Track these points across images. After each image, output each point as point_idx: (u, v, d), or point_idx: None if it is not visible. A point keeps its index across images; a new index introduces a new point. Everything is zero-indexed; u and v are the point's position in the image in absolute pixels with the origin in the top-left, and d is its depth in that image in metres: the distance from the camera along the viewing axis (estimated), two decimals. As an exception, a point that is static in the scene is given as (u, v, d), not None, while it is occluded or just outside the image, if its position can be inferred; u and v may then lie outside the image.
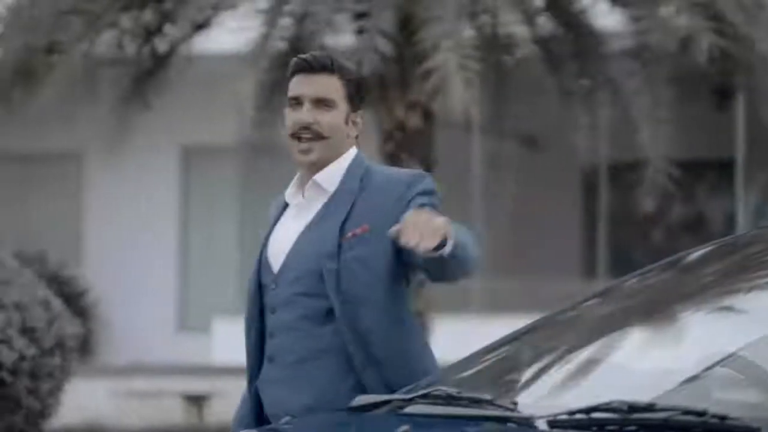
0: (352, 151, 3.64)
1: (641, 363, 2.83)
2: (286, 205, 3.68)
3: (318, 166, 3.60)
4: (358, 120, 3.65)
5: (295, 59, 3.63)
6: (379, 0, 9.33)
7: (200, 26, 10.05)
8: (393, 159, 9.85)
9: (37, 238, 16.25)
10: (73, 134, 14.69)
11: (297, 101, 3.59)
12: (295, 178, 3.66)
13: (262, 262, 3.62)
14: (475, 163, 15.33)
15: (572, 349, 2.95)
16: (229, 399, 12.67)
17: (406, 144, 9.96)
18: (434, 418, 2.68)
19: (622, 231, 16.13)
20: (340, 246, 3.50)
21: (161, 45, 10.06)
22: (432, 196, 3.54)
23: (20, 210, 16.76)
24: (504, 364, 2.95)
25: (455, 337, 9.38)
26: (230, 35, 9.72)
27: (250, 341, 3.63)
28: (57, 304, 7.19)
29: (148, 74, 10.15)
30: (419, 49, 9.30)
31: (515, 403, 2.60)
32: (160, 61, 10.10)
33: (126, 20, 9.83)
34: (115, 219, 16.19)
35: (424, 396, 2.72)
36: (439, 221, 3.25)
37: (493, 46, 9.83)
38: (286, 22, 9.55)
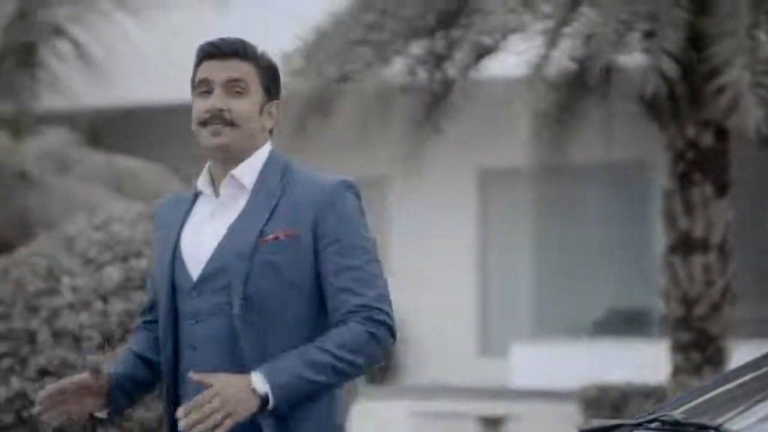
0: (268, 146, 3.26)
1: None
2: (195, 196, 3.28)
3: (231, 156, 3.21)
4: (273, 111, 3.28)
5: (203, 46, 3.25)
6: (667, 18, 9.13)
7: (489, 50, 10.09)
8: (685, 179, 9.63)
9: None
10: (373, 161, 14.97)
11: (206, 87, 3.20)
12: (205, 167, 3.28)
13: (176, 264, 3.21)
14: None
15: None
16: (525, 422, 12.66)
17: (699, 163, 9.71)
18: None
19: None
20: (255, 248, 3.10)
21: (451, 70, 10.15)
22: (350, 218, 3.14)
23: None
24: (735, 392, 2.84)
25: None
26: (519, 58, 9.73)
27: (167, 354, 3.20)
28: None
29: (439, 100, 10.26)
30: (710, 65, 9.07)
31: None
32: (450, 87, 10.20)
33: (415, 47, 9.97)
34: (416, 242, 16.43)
35: (651, 421, 2.66)
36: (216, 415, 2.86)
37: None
38: (571, 42, 9.49)
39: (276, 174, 3.20)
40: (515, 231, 16.13)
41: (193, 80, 3.25)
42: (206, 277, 3.15)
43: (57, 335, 6.52)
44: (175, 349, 3.18)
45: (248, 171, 3.21)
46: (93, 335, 6.48)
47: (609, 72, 9.59)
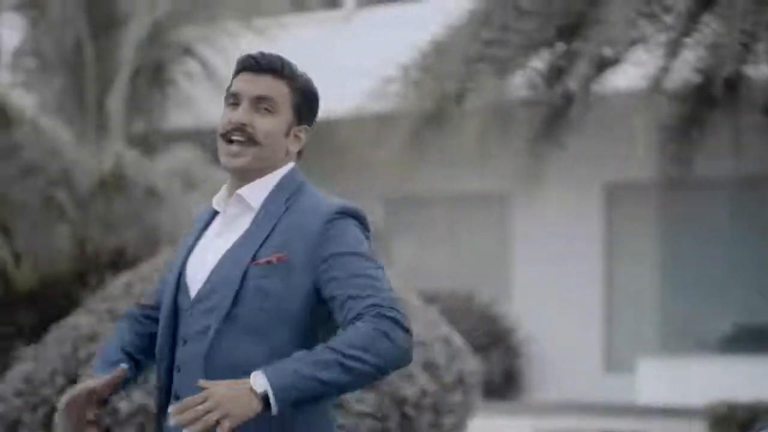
0: (287, 167, 3.12)
1: None
2: (215, 213, 3.18)
3: (246, 175, 3.09)
4: (302, 135, 3.14)
5: (241, 56, 3.15)
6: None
7: (610, 62, 9.98)
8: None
9: (466, 276, 16.63)
10: (495, 176, 14.91)
11: (235, 100, 3.09)
12: (226, 184, 3.17)
13: (180, 282, 3.11)
14: None
15: None
16: (651, 439, 12.46)
17: None
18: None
19: None
20: (247, 271, 2.99)
21: (571, 83, 10.07)
22: (348, 241, 2.99)
23: (449, 249, 17.21)
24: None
25: None
26: (642, 70, 9.61)
27: (159, 376, 3.11)
28: (458, 340, 7.30)
29: (560, 113, 10.17)
30: None
31: None
32: (571, 100, 10.11)
33: (535, 61, 9.90)
34: (540, 257, 16.30)
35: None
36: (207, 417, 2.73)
37: None
38: (694, 54, 9.33)
39: (283, 196, 3.08)
40: (642, 246, 15.91)
41: (228, 89, 3.17)
42: (199, 298, 3.05)
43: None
44: (169, 370, 3.08)
45: (258, 191, 3.08)
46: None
47: (735, 83, 9.42)
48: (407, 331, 2.91)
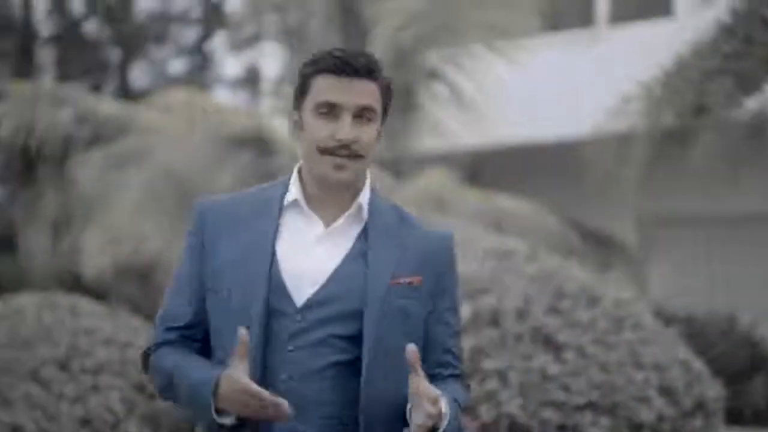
0: (367, 172, 2.99)
1: None
2: (279, 208, 2.95)
3: (350, 188, 2.94)
4: (382, 134, 2.97)
5: (329, 57, 2.88)
6: None
7: None
8: None
9: (724, 298, 16.15)
10: (743, 197, 14.44)
11: (332, 110, 2.87)
12: (294, 176, 2.98)
13: (272, 280, 2.87)
14: None
15: None
16: None
17: None
18: None
19: None
20: (388, 289, 2.86)
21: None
22: (458, 277, 3.02)
23: (706, 270, 16.76)
24: None
25: None
26: None
27: (257, 372, 2.83)
28: (698, 365, 7.08)
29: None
30: None
31: None
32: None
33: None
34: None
35: None
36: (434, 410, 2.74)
37: None
38: None
39: (389, 211, 2.98)
40: None
41: (302, 91, 2.93)
42: (316, 302, 2.87)
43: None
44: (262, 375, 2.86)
45: (366, 201, 2.96)
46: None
47: None
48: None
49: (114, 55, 21.52)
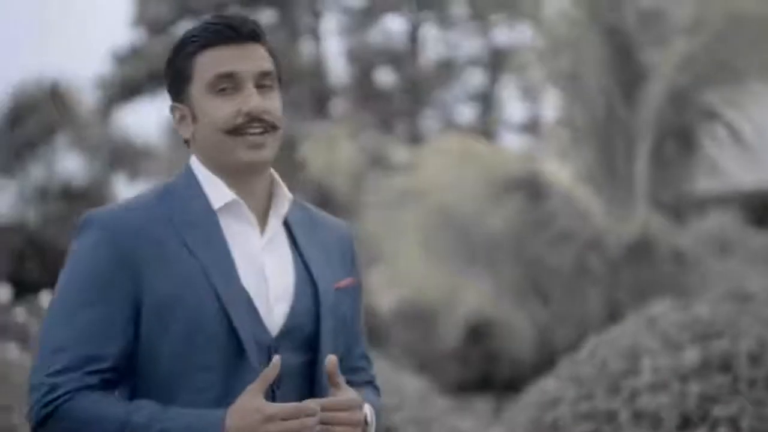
0: None
1: None
2: (206, 213, 2.50)
3: (265, 169, 2.54)
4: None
5: (210, 27, 2.51)
6: None
7: None
8: None
9: None
10: None
11: (232, 83, 2.48)
12: (204, 179, 2.52)
13: (239, 308, 2.45)
14: None
15: None
16: None
17: None
18: None
19: None
20: (335, 296, 2.56)
21: None
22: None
23: None
24: None
25: None
26: None
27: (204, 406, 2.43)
28: None
29: None
30: None
31: None
32: None
33: None
34: None
35: None
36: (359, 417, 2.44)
37: None
38: None
39: (295, 202, 2.61)
40: None
41: (184, 77, 2.52)
42: (289, 330, 2.51)
43: (637, 416, 6.53)
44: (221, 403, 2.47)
45: (283, 190, 2.60)
46: (671, 416, 6.43)
47: None
48: None
49: (403, 101, 22.13)
